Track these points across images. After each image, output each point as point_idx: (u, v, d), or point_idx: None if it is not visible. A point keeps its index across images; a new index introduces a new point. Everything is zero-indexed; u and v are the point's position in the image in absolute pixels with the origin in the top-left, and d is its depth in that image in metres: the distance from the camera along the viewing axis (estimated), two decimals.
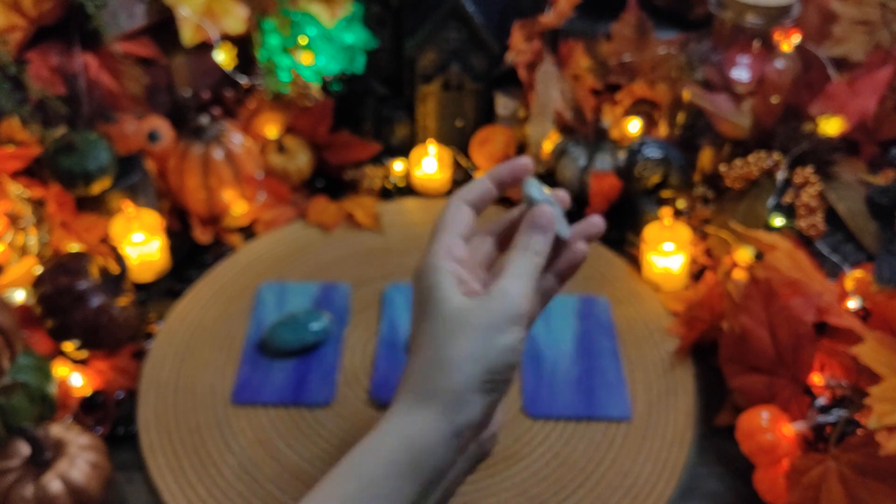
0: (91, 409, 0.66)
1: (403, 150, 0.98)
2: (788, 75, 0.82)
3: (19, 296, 0.71)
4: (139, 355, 0.73)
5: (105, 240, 0.79)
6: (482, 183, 0.46)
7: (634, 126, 0.97)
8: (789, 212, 0.78)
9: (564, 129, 0.97)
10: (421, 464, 0.37)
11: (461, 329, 0.38)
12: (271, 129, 0.93)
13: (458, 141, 1.00)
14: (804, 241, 0.75)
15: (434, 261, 0.41)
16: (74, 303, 0.66)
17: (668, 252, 0.80)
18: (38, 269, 0.70)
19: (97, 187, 0.78)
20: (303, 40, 0.96)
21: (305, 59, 0.92)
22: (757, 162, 0.80)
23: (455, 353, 0.38)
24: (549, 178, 0.96)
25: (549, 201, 0.45)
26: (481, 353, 0.38)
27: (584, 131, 0.95)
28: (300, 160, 0.93)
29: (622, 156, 0.88)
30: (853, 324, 0.61)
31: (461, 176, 0.98)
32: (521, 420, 0.67)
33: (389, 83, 0.99)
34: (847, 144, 0.84)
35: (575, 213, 0.94)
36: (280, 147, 0.92)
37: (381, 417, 0.39)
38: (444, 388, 0.38)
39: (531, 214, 0.43)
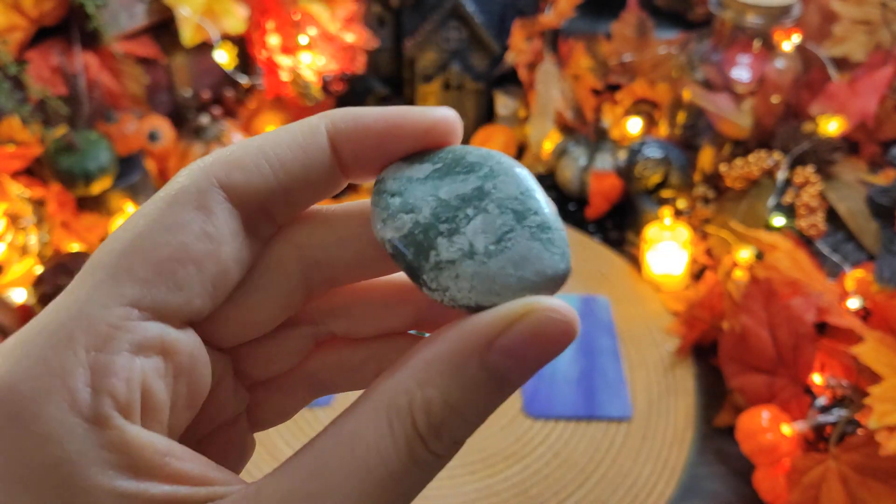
0: None
1: None
2: (789, 75, 0.82)
3: (20, 295, 0.70)
4: None
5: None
6: (304, 131, 0.17)
7: (635, 126, 0.96)
8: (790, 211, 0.77)
9: (565, 128, 0.97)
10: None
11: None
12: (271, 128, 0.93)
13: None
14: (805, 240, 0.75)
15: (54, 411, 0.13)
16: None
17: (669, 252, 0.80)
18: (39, 269, 0.70)
19: (97, 187, 0.78)
20: (303, 40, 0.96)
21: (306, 58, 0.92)
22: (757, 162, 0.80)
23: None
24: (549, 177, 0.96)
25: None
26: None
27: (585, 131, 0.95)
28: None
29: (622, 155, 0.88)
30: (853, 323, 0.61)
31: None
32: (521, 420, 0.67)
33: (390, 83, 0.99)
34: (847, 144, 0.84)
35: (576, 213, 0.95)
36: None
37: None
38: None
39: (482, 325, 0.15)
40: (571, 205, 0.94)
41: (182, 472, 0.14)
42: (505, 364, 0.14)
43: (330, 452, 0.14)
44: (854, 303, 0.66)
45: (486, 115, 1.00)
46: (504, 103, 0.99)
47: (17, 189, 0.73)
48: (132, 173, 0.82)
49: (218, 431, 0.19)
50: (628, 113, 0.98)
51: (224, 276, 0.16)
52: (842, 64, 0.85)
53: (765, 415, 0.60)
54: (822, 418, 0.58)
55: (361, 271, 0.18)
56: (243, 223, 0.16)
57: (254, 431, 0.20)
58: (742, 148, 0.84)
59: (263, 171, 0.16)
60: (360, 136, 0.16)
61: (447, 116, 0.17)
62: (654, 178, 0.84)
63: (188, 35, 0.84)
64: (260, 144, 0.16)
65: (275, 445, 0.64)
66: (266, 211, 0.16)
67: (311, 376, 0.20)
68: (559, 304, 0.15)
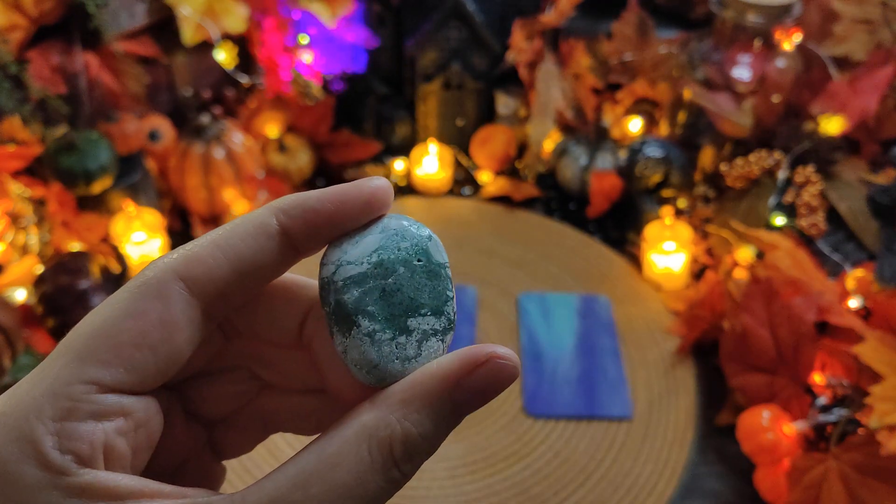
0: None
1: (404, 150, 0.98)
2: (789, 74, 0.82)
3: (20, 295, 0.70)
4: None
5: (106, 239, 0.79)
6: (253, 222, 0.19)
7: (635, 125, 0.96)
8: (790, 211, 0.77)
9: (565, 128, 0.97)
10: None
11: None
12: (272, 128, 0.93)
13: (458, 140, 0.99)
14: (805, 240, 0.75)
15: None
16: (75, 302, 0.66)
17: (668, 251, 0.80)
18: (39, 269, 0.70)
19: (98, 186, 0.78)
20: (303, 39, 0.96)
21: (307, 58, 0.92)
22: (758, 161, 0.80)
23: None
24: (550, 177, 0.96)
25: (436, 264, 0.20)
26: None
27: (585, 130, 0.95)
28: (301, 159, 0.93)
29: (623, 155, 0.88)
30: (854, 323, 0.61)
31: (462, 175, 0.98)
32: (521, 419, 0.67)
33: (390, 82, 0.99)
34: (848, 143, 0.84)
35: (577, 212, 0.95)
36: (281, 146, 0.92)
37: None
38: None
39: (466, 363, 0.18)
40: (572, 204, 0.94)
41: (155, 490, 0.17)
42: (467, 398, 0.18)
43: (313, 469, 0.17)
44: (855, 302, 0.65)
45: (486, 115, 1.00)
46: (505, 103, 0.99)
47: (18, 188, 0.73)
48: (133, 173, 0.82)
49: (185, 467, 0.22)
50: (629, 112, 0.98)
51: (176, 358, 0.18)
52: (842, 63, 0.85)
53: (765, 414, 0.60)
54: (823, 418, 0.58)
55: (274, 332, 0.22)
56: (202, 310, 0.19)
57: (222, 460, 0.23)
58: (743, 147, 0.84)
59: (219, 263, 0.18)
60: (309, 219, 0.19)
61: (381, 186, 0.19)
62: (655, 178, 0.84)
63: (188, 34, 0.84)
64: (215, 239, 0.19)
65: (276, 445, 0.64)
66: (223, 297, 0.19)
67: (260, 417, 0.23)
68: (509, 352, 0.18)
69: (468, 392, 0.18)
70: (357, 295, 0.19)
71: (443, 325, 0.20)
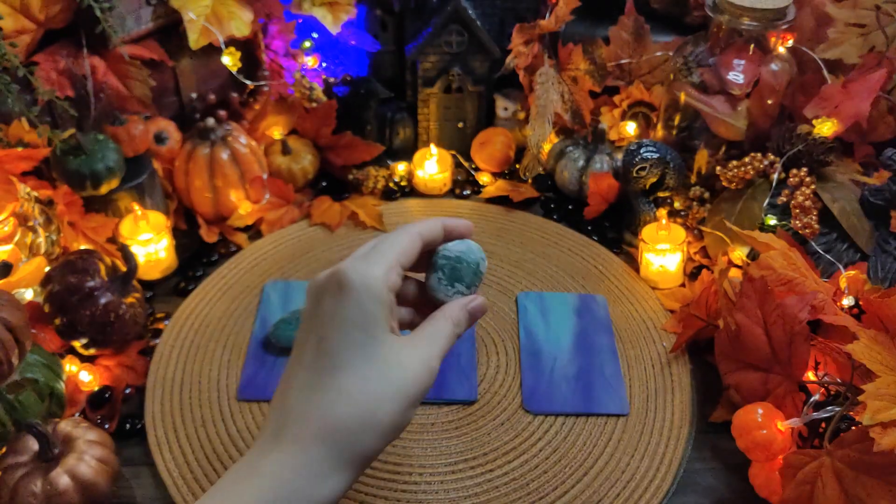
0: (99, 406, 0.67)
1: (406, 152, 1.00)
2: (783, 77, 0.83)
3: (28, 294, 0.72)
4: (146, 352, 0.74)
5: (113, 239, 0.80)
6: (436, 226, 0.48)
7: (632, 128, 0.98)
8: (784, 212, 0.78)
9: (563, 130, 0.98)
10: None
11: (386, 382, 0.40)
12: (276, 130, 0.95)
13: (459, 142, 1.01)
14: (799, 240, 0.76)
15: (376, 286, 0.42)
16: (83, 301, 0.67)
17: (664, 251, 0.81)
18: (47, 268, 0.71)
19: (105, 188, 0.79)
20: (307, 44, 0.97)
21: (310, 62, 0.94)
22: (752, 163, 0.81)
23: (374, 405, 0.40)
24: (548, 179, 0.97)
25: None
26: (396, 422, 0.41)
27: (583, 133, 0.96)
28: (304, 161, 0.94)
29: (620, 157, 0.90)
30: (847, 322, 0.62)
31: (462, 176, 1.00)
32: (520, 416, 0.68)
33: (392, 86, 1.01)
34: (841, 145, 0.85)
35: (574, 214, 0.96)
36: (285, 148, 0.94)
37: (260, 451, 0.40)
38: (347, 429, 0.39)
39: (473, 303, 0.48)
40: (570, 205, 0.95)
41: (391, 307, 0.44)
42: (468, 314, 0.48)
43: (432, 328, 0.45)
44: (848, 301, 0.66)
45: (486, 118, 1.01)
46: (504, 106, 1.00)
47: (26, 190, 0.75)
48: (139, 174, 0.83)
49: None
50: (626, 115, 0.99)
51: (407, 268, 0.47)
52: (836, 66, 0.86)
53: (760, 411, 0.61)
54: (817, 415, 0.59)
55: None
56: (422, 247, 0.48)
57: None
58: (737, 149, 0.86)
59: (413, 244, 0.47)
60: (433, 235, 0.48)
61: (468, 224, 0.50)
62: (651, 179, 0.85)
63: (194, 38, 0.86)
64: (410, 236, 0.47)
65: None
66: (411, 257, 0.46)
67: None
68: (484, 300, 0.49)
69: (469, 311, 0.47)
70: (441, 265, 0.48)
71: (470, 288, 0.48)
